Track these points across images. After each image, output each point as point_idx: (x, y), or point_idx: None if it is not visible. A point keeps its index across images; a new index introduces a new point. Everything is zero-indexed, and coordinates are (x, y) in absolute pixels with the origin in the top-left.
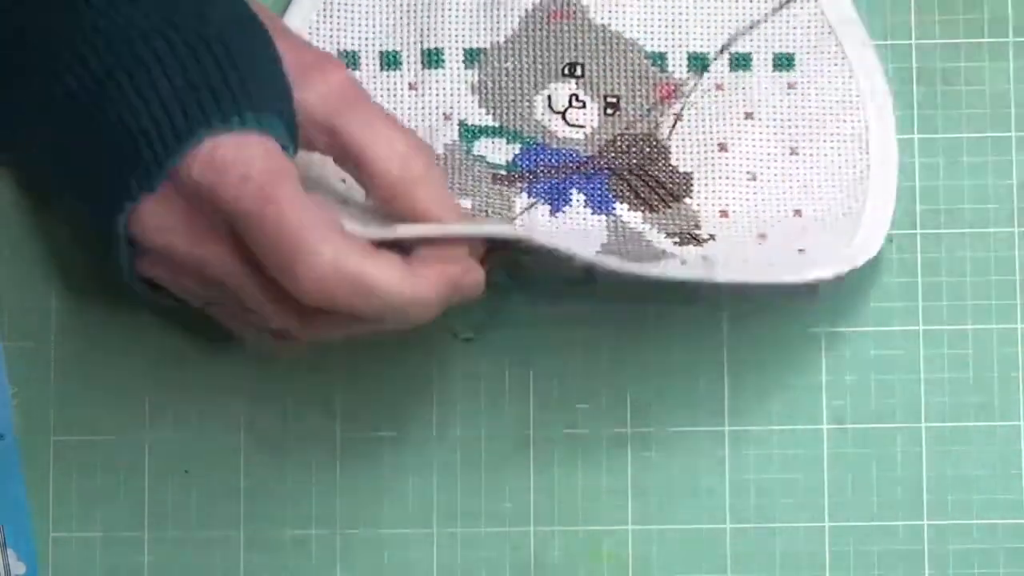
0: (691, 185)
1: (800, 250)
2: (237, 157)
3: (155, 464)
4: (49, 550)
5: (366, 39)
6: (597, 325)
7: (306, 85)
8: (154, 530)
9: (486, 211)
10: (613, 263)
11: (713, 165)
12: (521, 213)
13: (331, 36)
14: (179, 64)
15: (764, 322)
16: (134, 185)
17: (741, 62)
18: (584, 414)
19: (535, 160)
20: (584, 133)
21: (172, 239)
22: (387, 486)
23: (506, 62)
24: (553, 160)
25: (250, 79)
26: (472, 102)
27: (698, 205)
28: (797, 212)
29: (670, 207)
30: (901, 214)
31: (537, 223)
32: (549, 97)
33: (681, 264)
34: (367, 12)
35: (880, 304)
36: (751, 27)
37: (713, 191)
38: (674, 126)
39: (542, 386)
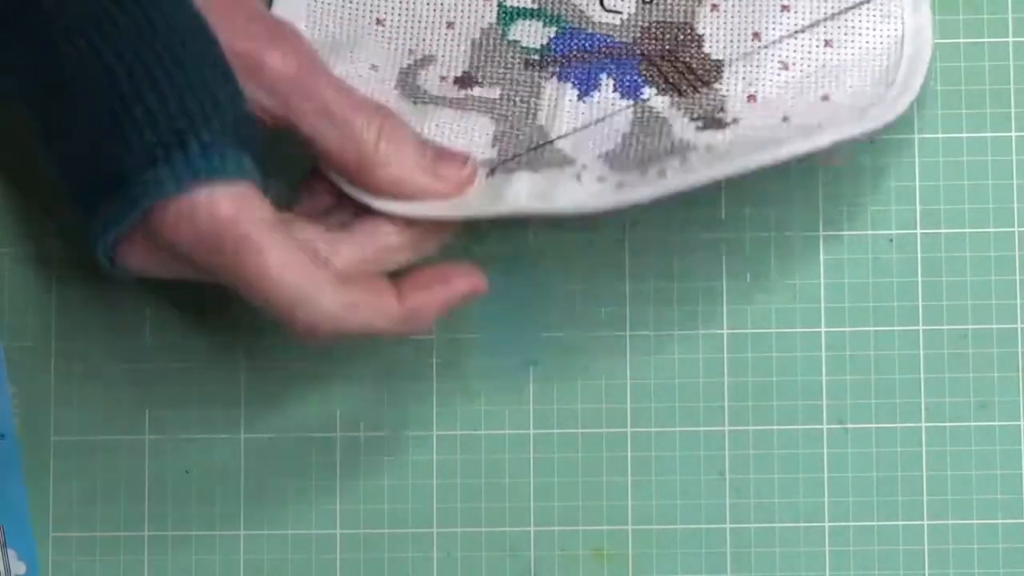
0: (721, 72)
1: (819, 123)
2: (207, 216)
3: (155, 464)
4: (49, 550)
5: None
6: (597, 324)
7: (253, 76)
8: (154, 530)
9: (514, 100)
10: (607, 200)
11: (745, 53)
12: (549, 102)
13: None
14: (139, 99)
15: (764, 321)
16: (109, 222)
17: None
18: (584, 414)
19: (569, 45)
20: (620, 19)
21: (153, 269)
22: (387, 486)
23: None
24: (587, 45)
25: (212, 114)
26: None
27: (727, 90)
28: (825, 97)
29: (699, 92)
30: (901, 214)
31: (565, 109)
32: None
33: (681, 165)
34: None
35: (880, 304)
36: None
37: (743, 77)
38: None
39: (542, 386)
